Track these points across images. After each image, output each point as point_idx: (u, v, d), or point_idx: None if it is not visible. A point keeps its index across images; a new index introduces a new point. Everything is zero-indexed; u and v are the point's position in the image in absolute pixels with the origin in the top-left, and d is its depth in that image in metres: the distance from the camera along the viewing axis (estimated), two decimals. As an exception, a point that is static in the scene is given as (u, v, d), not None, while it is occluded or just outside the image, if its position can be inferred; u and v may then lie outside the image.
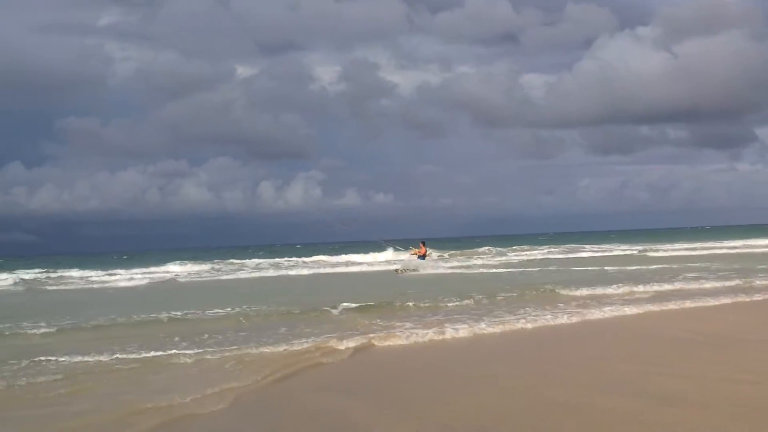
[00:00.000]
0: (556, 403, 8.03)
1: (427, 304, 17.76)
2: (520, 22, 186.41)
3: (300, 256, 56.16)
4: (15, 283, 38.46)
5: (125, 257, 76.68)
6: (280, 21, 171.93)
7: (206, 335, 13.78)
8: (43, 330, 15.21)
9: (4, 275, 42.76)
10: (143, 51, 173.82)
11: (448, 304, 17.76)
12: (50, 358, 11.57)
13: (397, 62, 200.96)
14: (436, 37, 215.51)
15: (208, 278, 39.12)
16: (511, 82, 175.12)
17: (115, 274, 43.22)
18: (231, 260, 54.57)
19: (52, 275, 44.41)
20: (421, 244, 37.83)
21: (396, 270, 34.72)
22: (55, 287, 35.71)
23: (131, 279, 39.15)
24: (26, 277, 42.84)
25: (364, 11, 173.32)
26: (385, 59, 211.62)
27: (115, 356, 11.52)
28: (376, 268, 40.96)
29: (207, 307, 18.79)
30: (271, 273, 40.35)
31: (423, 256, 37.20)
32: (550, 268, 35.02)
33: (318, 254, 59.63)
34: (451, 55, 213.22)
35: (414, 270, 34.35)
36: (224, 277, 39.04)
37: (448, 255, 53.52)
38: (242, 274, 40.63)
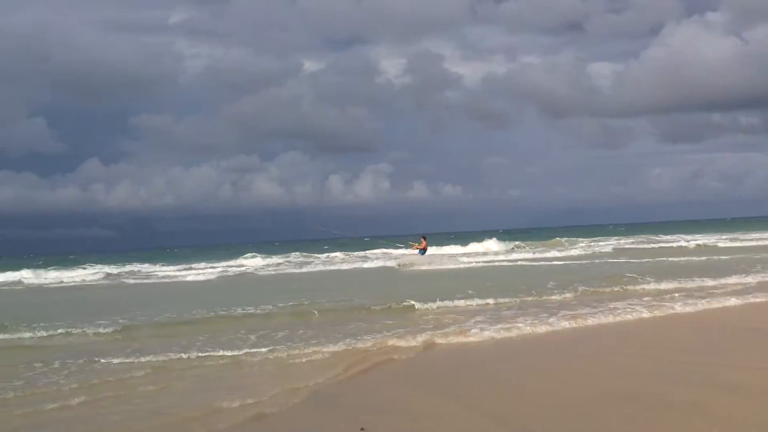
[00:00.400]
0: (613, 393, 8.20)
1: (496, 301, 17.80)
2: (585, 10, 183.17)
3: (368, 249, 56.49)
4: (104, 277, 40.23)
5: (200, 251, 78.45)
6: (345, 15, 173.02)
7: (279, 331, 14.19)
8: (129, 323, 15.95)
9: (94, 269, 44.83)
10: (212, 48, 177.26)
11: (526, 298, 17.82)
12: (142, 355, 12.14)
13: (462, 53, 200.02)
14: (501, 27, 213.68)
15: (282, 271, 39.97)
16: (577, 71, 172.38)
17: (191, 268, 44.63)
18: (303, 253, 55.47)
19: (131, 270, 46.08)
20: (422, 239, 38.38)
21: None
22: (134, 281, 37.17)
23: (206, 273, 40.34)
24: (110, 271, 44.58)
25: (429, 2, 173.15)
26: (449, 50, 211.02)
27: (196, 354, 11.97)
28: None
29: (280, 300, 19.34)
30: (345, 267, 40.84)
31: (423, 251, 37.90)
32: (623, 259, 34.54)
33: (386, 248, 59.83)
34: (516, 45, 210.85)
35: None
36: (296, 271, 39.79)
37: (515, 246, 53.38)
38: (313, 267, 41.29)
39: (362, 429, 7.37)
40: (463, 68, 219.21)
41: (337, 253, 53.50)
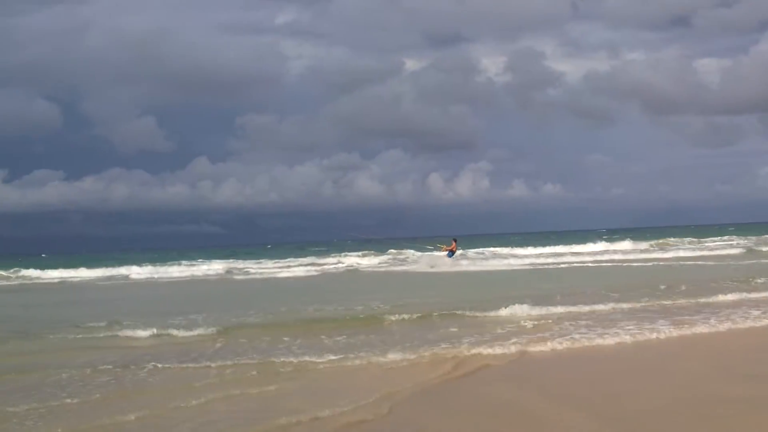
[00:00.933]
0: (725, 396, 8.36)
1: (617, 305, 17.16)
2: (692, 4, 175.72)
3: (469, 248, 56.00)
4: (226, 273, 42.00)
5: (300, 247, 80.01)
6: (446, 13, 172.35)
7: (374, 334, 14.14)
8: (235, 321, 16.19)
9: (215, 264, 47.34)
10: (315, 48, 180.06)
11: (636, 305, 17.15)
12: (243, 356, 12.29)
13: (564, 50, 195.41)
14: (603, 23, 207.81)
15: (380, 269, 40.30)
16: (683, 68, 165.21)
17: (289, 266, 45.54)
18: (400, 251, 55.63)
19: (236, 266, 47.46)
20: (453, 241, 38.24)
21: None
22: (243, 277, 38.31)
23: (307, 269, 41.12)
24: (217, 267, 46.34)
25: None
26: (551, 48, 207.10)
27: (296, 358, 11.93)
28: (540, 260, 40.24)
29: (373, 299, 19.44)
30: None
31: (452, 253, 37.75)
32: (743, 262, 33.19)
33: (490, 246, 59.10)
34: (618, 41, 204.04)
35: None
36: (394, 269, 39.94)
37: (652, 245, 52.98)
38: (415, 266, 41.25)
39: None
40: (565, 65, 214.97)
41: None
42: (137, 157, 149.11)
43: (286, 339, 13.83)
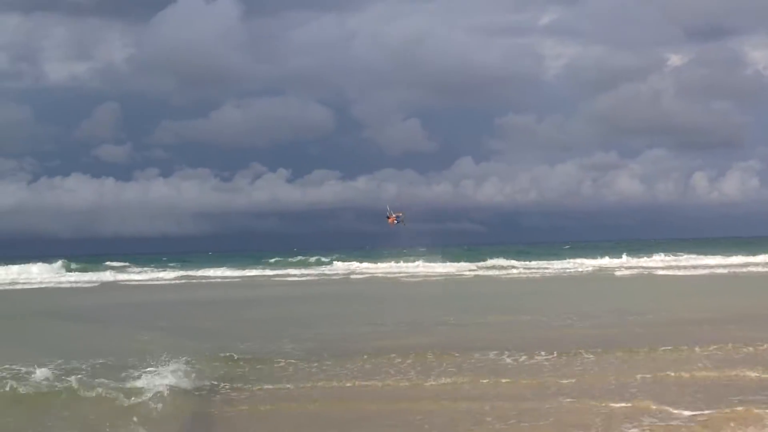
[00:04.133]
0: None
1: None
2: None
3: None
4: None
5: (566, 247, 79.35)
6: (707, 6, 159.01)
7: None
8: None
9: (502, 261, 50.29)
10: (572, 47, 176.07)
11: None
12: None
13: None
14: None
15: (643, 273, 39.13)
16: None
17: (549, 267, 46.69)
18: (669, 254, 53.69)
19: (495, 264, 49.73)
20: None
21: None
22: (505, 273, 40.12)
23: (570, 270, 42.28)
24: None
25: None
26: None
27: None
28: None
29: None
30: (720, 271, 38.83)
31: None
32: None
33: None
34: None
35: None
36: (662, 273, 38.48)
37: None
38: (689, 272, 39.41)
39: None
40: None
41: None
42: (405, 158, 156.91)
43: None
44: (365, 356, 12.56)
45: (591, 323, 16.73)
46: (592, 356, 12.15)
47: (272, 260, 61.25)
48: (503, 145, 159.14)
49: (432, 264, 48.76)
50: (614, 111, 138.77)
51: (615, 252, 56.29)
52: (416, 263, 49.65)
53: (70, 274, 49.70)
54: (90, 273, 49.55)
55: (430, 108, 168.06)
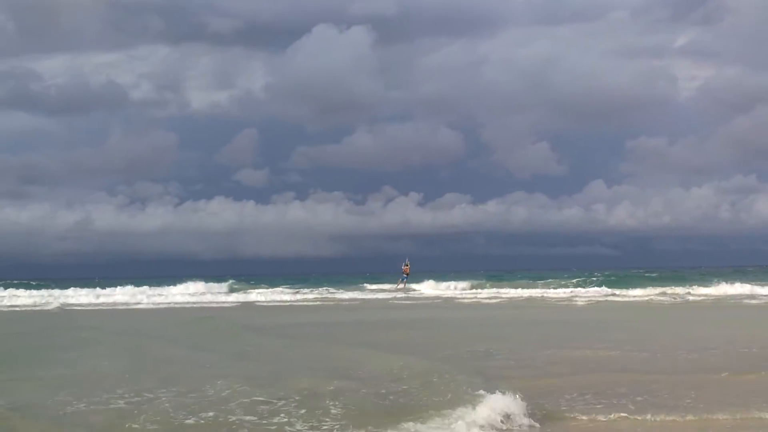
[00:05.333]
0: None
1: None
2: None
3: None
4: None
5: (701, 273, 78.27)
6: None
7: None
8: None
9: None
10: (707, 68, 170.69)
11: None
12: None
13: None
14: None
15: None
16: None
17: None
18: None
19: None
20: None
21: None
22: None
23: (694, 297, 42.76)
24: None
25: None
26: None
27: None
28: None
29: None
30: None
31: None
32: None
33: None
34: None
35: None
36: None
37: None
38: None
39: None
40: None
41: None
42: (534, 181, 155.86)
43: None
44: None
45: None
46: None
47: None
48: (635, 169, 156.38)
49: (613, 289, 50.75)
50: (752, 133, 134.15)
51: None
52: (590, 288, 51.03)
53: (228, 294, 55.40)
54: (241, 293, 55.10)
55: (560, 131, 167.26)
